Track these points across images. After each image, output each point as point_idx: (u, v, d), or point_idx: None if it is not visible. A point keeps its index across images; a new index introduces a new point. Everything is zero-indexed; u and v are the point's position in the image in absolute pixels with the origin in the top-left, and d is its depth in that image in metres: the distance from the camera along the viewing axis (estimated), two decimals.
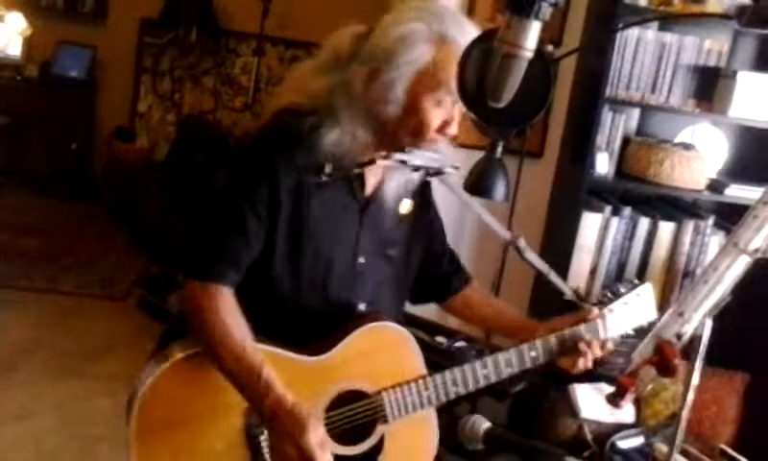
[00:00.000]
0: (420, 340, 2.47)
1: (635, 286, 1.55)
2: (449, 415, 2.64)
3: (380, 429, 1.39)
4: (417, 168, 1.39)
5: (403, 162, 1.37)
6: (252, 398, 1.30)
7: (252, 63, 5.39)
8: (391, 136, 1.35)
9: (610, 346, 1.48)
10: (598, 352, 1.47)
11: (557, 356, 1.47)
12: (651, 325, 1.52)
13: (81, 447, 2.73)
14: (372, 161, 1.37)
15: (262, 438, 1.33)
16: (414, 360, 1.44)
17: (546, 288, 1.57)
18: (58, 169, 5.40)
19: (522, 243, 1.50)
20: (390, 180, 1.43)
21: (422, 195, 1.56)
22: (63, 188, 5.37)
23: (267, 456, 1.33)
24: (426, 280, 1.61)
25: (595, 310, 1.49)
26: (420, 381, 1.40)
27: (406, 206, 1.51)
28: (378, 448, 1.40)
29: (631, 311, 1.53)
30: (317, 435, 1.26)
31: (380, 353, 1.40)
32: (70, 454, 2.69)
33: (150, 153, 5.69)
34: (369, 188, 1.44)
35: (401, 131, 1.34)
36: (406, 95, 1.32)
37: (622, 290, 1.54)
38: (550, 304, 1.60)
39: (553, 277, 1.49)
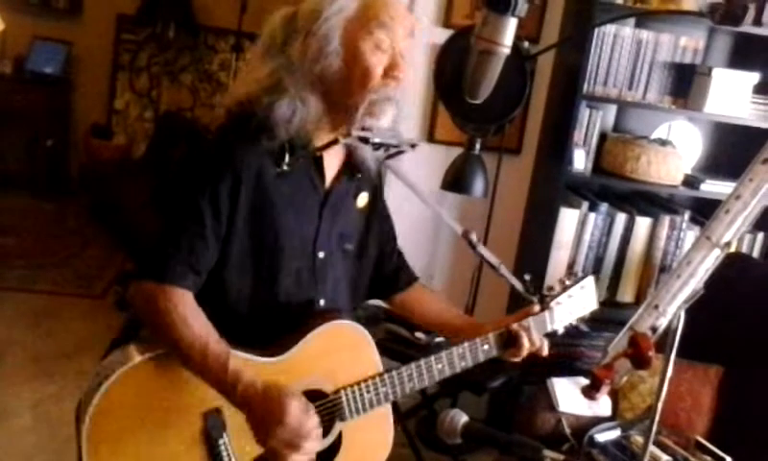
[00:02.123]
0: (399, 335, 2.50)
1: (579, 279, 1.59)
2: (429, 410, 2.66)
3: (338, 427, 1.39)
4: (377, 146, 1.37)
5: (364, 140, 1.35)
6: (223, 390, 1.28)
7: (231, 60, 5.35)
8: (341, 97, 1.33)
9: (544, 348, 1.52)
10: (537, 344, 1.50)
11: (505, 349, 1.50)
12: (592, 314, 1.58)
13: (58, 447, 2.70)
14: (333, 142, 1.36)
15: (221, 441, 1.31)
16: (371, 357, 1.44)
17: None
18: (33, 167, 5.33)
19: (474, 237, 1.50)
20: (359, 155, 1.42)
21: (377, 190, 1.55)
22: (39, 186, 5.29)
23: (226, 458, 1.32)
24: (376, 276, 1.61)
25: (536, 307, 1.53)
26: (377, 378, 1.40)
27: (363, 200, 1.50)
28: (336, 445, 1.40)
29: (575, 303, 1.57)
30: (297, 406, 1.23)
31: (339, 352, 1.40)
32: (47, 455, 2.66)
33: (127, 150, 5.63)
34: (328, 180, 1.42)
35: (348, 86, 1.32)
36: (342, 45, 1.31)
37: (567, 283, 1.58)
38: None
39: (503, 270, 1.51)
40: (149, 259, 1.32)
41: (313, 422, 1.26)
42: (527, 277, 1.55)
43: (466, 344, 1.46)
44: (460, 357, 1.45)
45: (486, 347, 1.48)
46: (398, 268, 1.66)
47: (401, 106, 1.38)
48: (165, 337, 1.28)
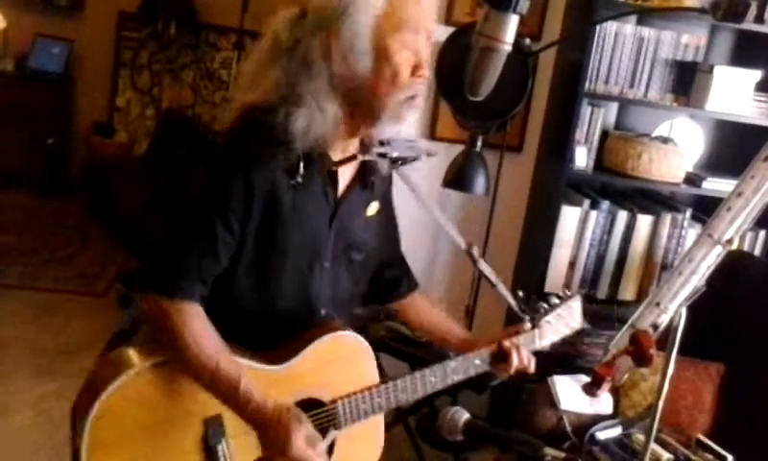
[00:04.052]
0: (401, 333, 2.50)
1: (567, 298, 1.63)
2: (430, 407, 2.65)
3: (332, 435, 1.40)
4: (395, 160, 1.38)
5: (383, 156, 1.36)
6: (233, 407, 1.29)
7: (232, 58, 5.35)
8: (367, 98, 1.30)
9: (531, 365, 1.54)
10: (525, 363, 1.52)
11: (496, 365, 1.53)
12: (578, 333, 1.62)
13: (59, 444, 2.70)
14: (351, 158, 1.36)
15: (219, 447, 1.32)
16: (369, 368, 1.45)
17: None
18: (34, 164, 5.32)
19: (476, 252, 1.52)
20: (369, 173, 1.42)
21: (387, 197, 1.56)
22: (40, 184, 5.29)
23: None
24: (377, 282, 1.62)
25: (528, 324, 1.56)
26: (374, 390, 1.41)
27: (374, 208, 1.50)
28: (329, 452, 1.41)
29: (562, 322, 1.61)
30: (303, 435, 1.26)
31: (337, 363, 1.41)
32: (48, 452, 2.67)
33: (129, 148, 5.63)
34: (341, 188, 1.41)
35: (376, 86, 1.29)
36: (372, 45, 1.27)
37: (557, 302, 1.61)
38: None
39: (501, 288, 1.53)
40: (160, 272, 1.30)
41: (318, 452, 1.29)
42: (520, 293, 1.58)
43: (459, 358, 1.49)
44: (453, 371, 1.48)
45: (478, 362, 1.50)
46: (399, 275, 1.66)
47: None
48: (177, 353, 1.28)
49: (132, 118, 5.70)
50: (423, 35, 1.31)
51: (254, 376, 1.31)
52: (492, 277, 1.53)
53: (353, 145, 1.39)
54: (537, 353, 1.57)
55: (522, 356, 1.51)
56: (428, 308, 1.68)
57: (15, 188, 5.22)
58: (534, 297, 1.60)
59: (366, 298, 1.62)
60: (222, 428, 1.31)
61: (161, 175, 4.82)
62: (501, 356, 1.51)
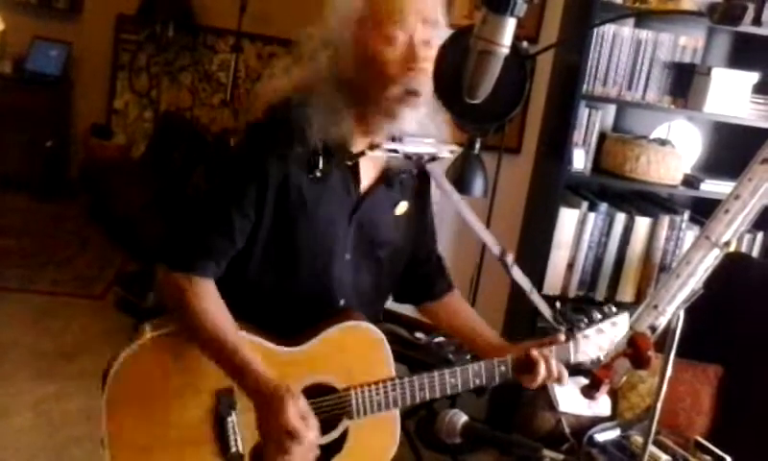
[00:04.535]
0: (399, 336, 2.50)
1: (612, 314, 1.54)
2: (429, 409, 2.65)
3: (344, 424, 1.41)
4: (409, 156, 1.39)
5: (395, 151, 1.36)
6: (235, 377, 1.34)
7: (230, 60, 5.35)
8: (367, 98, 1.35)
9: (564, 378, 1.48)
10: (555, 374, 1.46)
11: (522, 374, 1.47)
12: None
13: (58, 447, 2.70)
14: (362, 153, 1.38)
15: (229, 419, 1.37)
16: (385, 362, 1.46)
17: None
18: (32, 167, 5.32)
19: (510, 259, 1.48)
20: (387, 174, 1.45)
21: (421, 196, 1.56)
22: (38, 186, 5.29)
23: (232, 436, 1.37)
24: (409, 281, 1.61)
25: (562, 336, 1.49)
26: (389, 383, 1.41)
27: (402, 208, 1.51)
28: (341, 441, 1.42)
29: (604, 338, 1.53)
30: (296, 409, 1.27)
31: (354, 352, 1.42)
32: (47, 454, 2.67)
33: (127, 150, 5.63)
34: (364, 186, 1.44)
35: (368, 86, 1.34)
36: (355, 46, 1.33)
37: (598, 317, 1.53)
38: (528, 305, 1.60)
39: (535, 296, 1.49)
40: (178, 250, 1.38)
41: (310, 427, 1.29)
42: (557, 305, 1.53)
43: (482, 363, 1.45)
44: (475, 375, 1.45)
45: (502, 368, 1.46)
46: (433, 275, 1.65)
47: (432, 102, 1.36)
48: (189, 324, 1.35)
49: (130, 121, 5.70)
50: (413, 24, 1.32)
51: (269, 357, 1.35)
52: (526, 285, 1.50)
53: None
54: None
55: (551, 368, 1.44)
56: (460, 310, 1.65)
57: (14, 191, 5.22)
58: (568, 308, 1.53)
59: (398, 296, 1.64)
60: (232, 401, 1.37)
61: (159, 177, 4.82)
62: (528, 366, 1.45)
